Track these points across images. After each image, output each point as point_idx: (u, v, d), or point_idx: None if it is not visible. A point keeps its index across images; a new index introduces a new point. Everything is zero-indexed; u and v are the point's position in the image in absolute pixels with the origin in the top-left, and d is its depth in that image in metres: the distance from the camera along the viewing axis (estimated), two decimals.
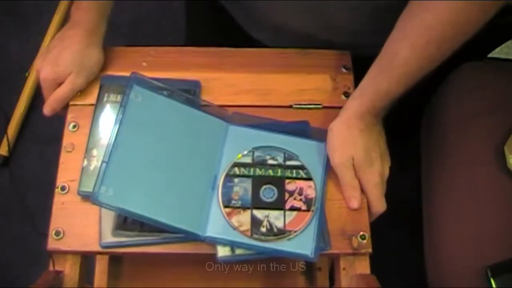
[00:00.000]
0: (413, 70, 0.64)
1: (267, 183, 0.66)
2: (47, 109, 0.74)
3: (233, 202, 0.65)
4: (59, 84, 0.73)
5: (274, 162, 0.67)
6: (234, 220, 0.64)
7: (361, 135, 0.67)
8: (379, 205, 0.69)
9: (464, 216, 0.76)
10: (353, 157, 0.67)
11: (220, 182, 0.66)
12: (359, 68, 0.74)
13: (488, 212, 0.75)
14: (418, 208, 0.85)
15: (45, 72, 0.73)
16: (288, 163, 0.68)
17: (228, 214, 0.64)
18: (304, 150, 0.69)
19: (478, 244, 0.73)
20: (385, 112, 0.70)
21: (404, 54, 0.63)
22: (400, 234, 1.17)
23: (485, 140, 0.79)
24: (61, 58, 0.71)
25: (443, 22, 0.60)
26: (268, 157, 0.68)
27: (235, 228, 0.63)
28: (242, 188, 0.65)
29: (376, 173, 0.68)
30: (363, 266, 0.67)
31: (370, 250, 0.66)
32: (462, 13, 0.59)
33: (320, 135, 0.69)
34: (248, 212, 0.64)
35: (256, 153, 0.68)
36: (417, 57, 0.63)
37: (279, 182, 0.66)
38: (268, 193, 0.65)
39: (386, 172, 0.70)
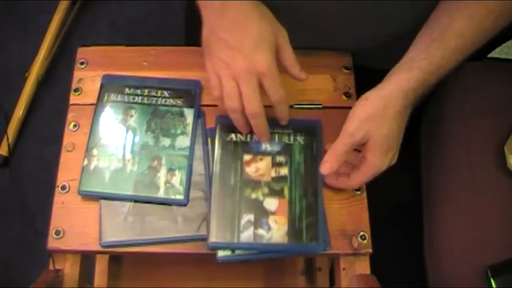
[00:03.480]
0: (467, 43, 0.61)
1: None
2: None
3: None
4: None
5: None
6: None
7: (394, 118, 0.61)
8: (357, 185, 0.65)
9: (464, 216, 0.76)
10: (371, 136, 0.61)
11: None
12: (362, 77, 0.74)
13: (488, 212, 0.75)
14: (418, 208, 0.85)
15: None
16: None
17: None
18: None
19: (478, 244, 0.73)
20: (418, 102, 0.64)
21: (459, 25, 0.60)
22: (400, 234, 1.17)
23: (485, 140, 0.79)
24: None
25: None
26: None
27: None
28: None
29: (383, 163, 0.62)
30: (363, 266, 0.67)
31: (370, 250, 0.66)
32: None
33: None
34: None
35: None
36: (472, 29, 0.60)
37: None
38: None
39: (387, 166, 0.64)
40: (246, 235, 0.63)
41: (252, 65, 0.60)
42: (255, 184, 0.66)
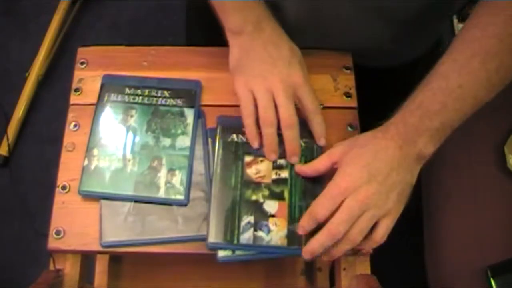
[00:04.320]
0: (453, 86, 0.57)
1: None
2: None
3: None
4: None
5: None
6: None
7: (384, 150, 0.57)
8: (316, 213, 0.59)
9: (464, 216, 0.76)
10: (349, 150, 0.60)
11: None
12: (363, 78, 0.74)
13: (488, 212, 0.75)
14: (418, 208, 0.85)
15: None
16: None
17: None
18: None
19: (478, 244, 0.74)
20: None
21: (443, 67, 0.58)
22: (400, 234, 1.17)
23: (485, 140, 0.79)
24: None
25: (491, 37, 0.56)
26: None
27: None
28: None
29: (354, 181, 0.57)
30: (363, 266, 0.67)
31: (370, 250, 0.65)
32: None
33: None
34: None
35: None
36: (457, 71, 0.57)
37: None
38: None
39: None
40: (246, 237, 0.63)
41: (289, 75, 0.64)
42: (256, 186, 0.66)
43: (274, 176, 0.67)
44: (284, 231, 0.63)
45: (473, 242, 0.74)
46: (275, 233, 0.63)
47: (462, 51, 0.57)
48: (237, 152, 0.68)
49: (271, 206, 0.65)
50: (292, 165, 0.67)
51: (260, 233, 0.63)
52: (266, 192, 0.66)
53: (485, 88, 0.57)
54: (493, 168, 0.76)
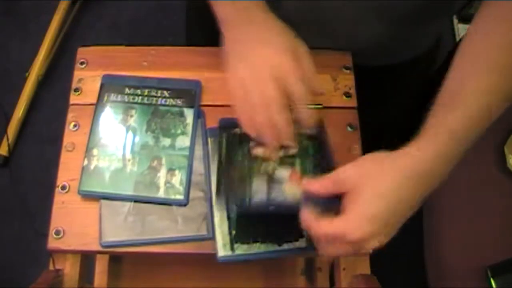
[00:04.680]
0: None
1: None
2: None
3: None
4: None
5: None
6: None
7: (399, 183, 0.52)
8: (319, 233, 0.54)
9: (464, 216, 0.76)
10: (361, 184, 0.52)
11: None
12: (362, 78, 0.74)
13: (488, 212, 0.75)
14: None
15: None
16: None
17: None
18: None
19: (478, 244, 0.74)
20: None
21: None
22: (400, 234, 1.17)
23: (485, 140, 0.79)
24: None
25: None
26: None
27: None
28: None
29: (363, 230, 0.51)
30: (363, 266, 0.67)
31: (370, 250, 0.65)
32: None
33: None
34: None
35: None
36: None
37: None
38: None
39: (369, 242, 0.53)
40: (259, 197, 0.61)
41: (280, 63, 0.60)
42: (263, 161, 0.63)
43: (281, 154, 0.64)
44: (299, 193, 0.59)
45: (473, 242, 0.74)
46: (289, 192, 0.60)
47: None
48: (242, 140, 0.65)
49: (283, 173, 0.62)
50: (300, 150, 0.64)
51: (273, 194, 0.61)
52: (276, 164, 0.63)
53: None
54: (493, 168, 0.76)
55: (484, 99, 0.53)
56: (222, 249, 0.63)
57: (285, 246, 0.64)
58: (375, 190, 0.52)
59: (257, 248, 0.64)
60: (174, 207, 0.66)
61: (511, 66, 0.53)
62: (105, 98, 0.72)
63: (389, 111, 0.97)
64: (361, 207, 0.52)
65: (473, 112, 0.52)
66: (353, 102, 0.74)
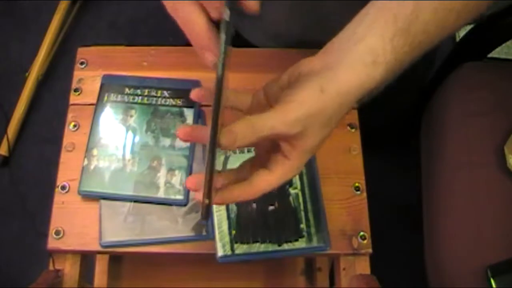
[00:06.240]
0: (427, 44, 0.50)
1: None
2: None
3: None
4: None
5: None
6: None
7: (337, 121, 0.46)
8: (262, 191, 0.45)
9: (464, 216, 0.76)
10: (307, 137, 0.45)
11: None
12: None
13: (488, 212, 0.75)
14: (418, 208, 0.85)
15: None
16: None
17: None
18: None
19: (478, 244, 0.73)
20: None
21: (425, 17, 0.46)
22: (400, 234, 1.17)
23: (485, 140, 0.79)
24: None
25: None
26: None
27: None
28: None
29: (299, 169, 0.46)
30: (363, 266, 0.67)
31: (370, 250, 0.66)
32: None
33: None
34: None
35: None
36: (435, 25, 0.47)
37: None
38: None
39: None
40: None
41: None
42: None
43: None
44: None
45: (473, 242, 0.74)
46: None
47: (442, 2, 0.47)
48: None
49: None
50: None
51: None
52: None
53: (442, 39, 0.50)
54: (493, 168, 0.76)
55: (423, 37, 0.48)
56: (222, 249, 0.63)
57: (285, 246, 0.64)
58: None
59: (257, 248, 0.64)
60: (174, 207, 0.66)
61: None
62: (105, 98, 0.72)
63: (389, 111, 0.97)
64: (307, 153, 0.46)
65: None
66: None
